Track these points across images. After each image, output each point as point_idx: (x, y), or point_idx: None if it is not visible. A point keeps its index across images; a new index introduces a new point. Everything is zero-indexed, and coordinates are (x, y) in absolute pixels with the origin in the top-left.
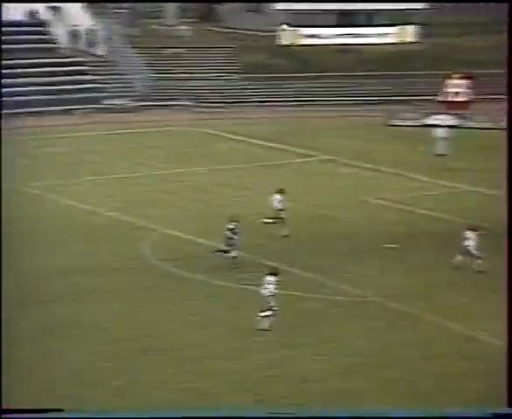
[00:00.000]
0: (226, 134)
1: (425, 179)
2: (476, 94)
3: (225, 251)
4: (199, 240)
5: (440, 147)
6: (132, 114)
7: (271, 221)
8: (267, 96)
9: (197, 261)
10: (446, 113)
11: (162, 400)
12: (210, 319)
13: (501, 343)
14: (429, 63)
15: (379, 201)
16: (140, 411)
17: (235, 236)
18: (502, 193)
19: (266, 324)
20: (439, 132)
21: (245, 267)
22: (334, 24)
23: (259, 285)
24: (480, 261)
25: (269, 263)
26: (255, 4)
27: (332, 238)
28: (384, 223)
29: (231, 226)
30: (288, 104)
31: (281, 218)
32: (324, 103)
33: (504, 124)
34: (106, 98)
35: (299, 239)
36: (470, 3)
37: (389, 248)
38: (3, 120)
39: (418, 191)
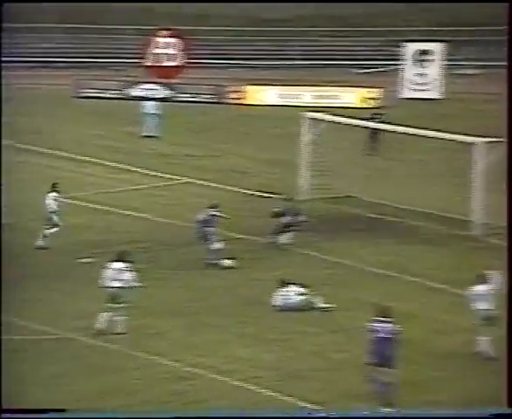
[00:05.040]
0: None
1: (130, 168)
2: (188, 58)
3: None
4: None
5: (149, 127)
6: None
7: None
8: None
9: None
10: (154, 82)
11: None
12: None
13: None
14: (128, 14)
15: (71, 201)
16: (139, 411)
17: None
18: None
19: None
20: (148, 107)
21: None
22: None
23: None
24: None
25: None
26: None
27: (11, 256)
28: (78, 230)
29: None
30: None
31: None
32: None
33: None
34: None
35: None
36: None
37: (84, 263)
38: None
39: (122, 185)
